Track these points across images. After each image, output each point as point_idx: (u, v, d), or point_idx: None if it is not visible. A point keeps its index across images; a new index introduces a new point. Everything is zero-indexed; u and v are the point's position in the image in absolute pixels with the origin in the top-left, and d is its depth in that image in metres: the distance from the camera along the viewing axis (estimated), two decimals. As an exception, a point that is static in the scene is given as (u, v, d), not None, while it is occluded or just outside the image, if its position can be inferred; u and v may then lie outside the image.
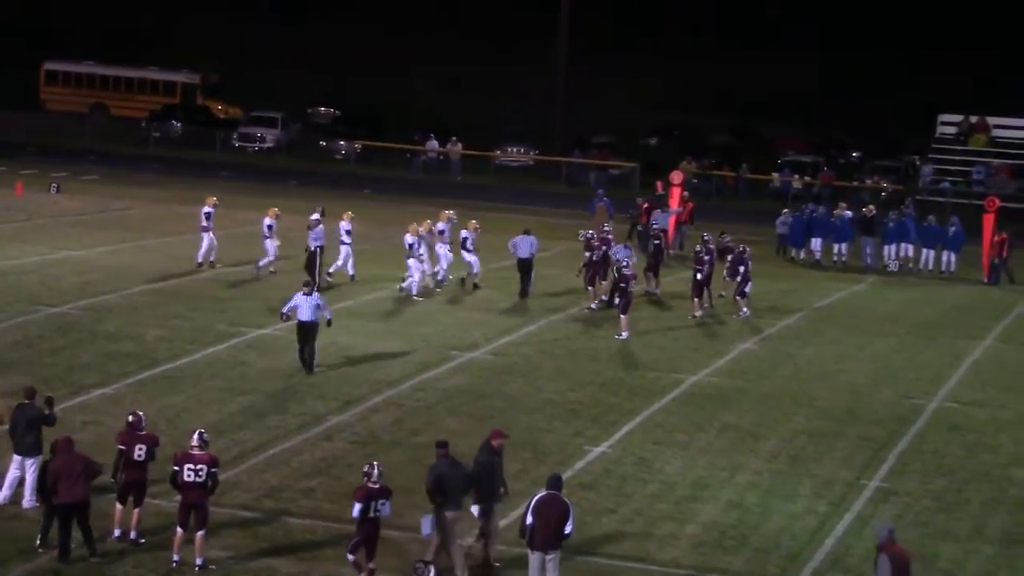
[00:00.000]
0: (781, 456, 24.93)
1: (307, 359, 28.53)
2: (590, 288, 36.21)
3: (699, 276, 35.89)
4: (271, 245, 37.90)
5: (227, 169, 64.23)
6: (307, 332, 28.56)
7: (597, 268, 36.68)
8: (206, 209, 38.66)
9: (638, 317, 34.96)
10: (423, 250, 36.38)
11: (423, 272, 36.55)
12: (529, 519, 17.74)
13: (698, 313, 35.70)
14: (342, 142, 72.81)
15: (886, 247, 45.92)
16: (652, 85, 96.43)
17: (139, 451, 19.28)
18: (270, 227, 37.88)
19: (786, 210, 48.45)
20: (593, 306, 35.86)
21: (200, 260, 38.58)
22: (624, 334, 33.09)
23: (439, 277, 37.59)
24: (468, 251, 37.81)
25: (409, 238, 36.00)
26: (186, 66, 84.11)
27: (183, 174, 61.00)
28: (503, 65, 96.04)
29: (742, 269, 35.96)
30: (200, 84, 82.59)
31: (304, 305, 28.28)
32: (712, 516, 21.81)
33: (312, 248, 36.19)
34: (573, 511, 17.93)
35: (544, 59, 77.27)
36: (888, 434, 26.66)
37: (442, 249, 37.59)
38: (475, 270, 37.95)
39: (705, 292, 36.18)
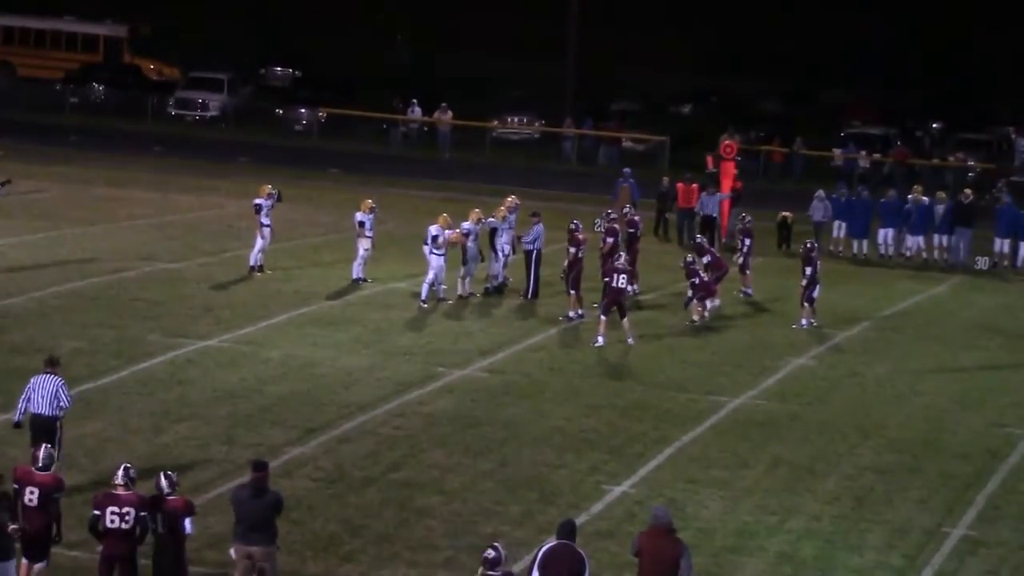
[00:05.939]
0: (844, 497, 24.95)
1: None
2: (573, 292, 35.77)
3: (696, 282, 35.72)
4: (362, 245, 37.83)
5: (161, 142, 64.22)
6: (40, 431, 22.43)
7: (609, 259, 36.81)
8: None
9: (664, 327, 34.95)
10: (443, 247, 35.97)
11: (439, 272, 36.15)
12: (535, 574, 17.72)
13: (696, 317, 35.76)
14: (303, 110, 73.00)
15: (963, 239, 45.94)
16: (686, 42, 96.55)
17: (30, 494, 19.14)
18: (361, 224, 37.75)
19: (820, 191, 47.91)
20: (572, 315, 35.52)
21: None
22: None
23: (498, 279, 37.87)
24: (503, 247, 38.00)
25: (434, 229, 35.99)
26: (110, 16, 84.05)
27: (107, 148, 61.05)
28: (505, 16, 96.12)
29: (808, 271, 35.91)
30: (128, 38, 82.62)
31: (38, 391, 22.53)
32: (759, 571, 21.84)
33: None
34: (588, 564, 17.91)
35: (556, 11, 77.28)
36: (976, 471, 26.68)
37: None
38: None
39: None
